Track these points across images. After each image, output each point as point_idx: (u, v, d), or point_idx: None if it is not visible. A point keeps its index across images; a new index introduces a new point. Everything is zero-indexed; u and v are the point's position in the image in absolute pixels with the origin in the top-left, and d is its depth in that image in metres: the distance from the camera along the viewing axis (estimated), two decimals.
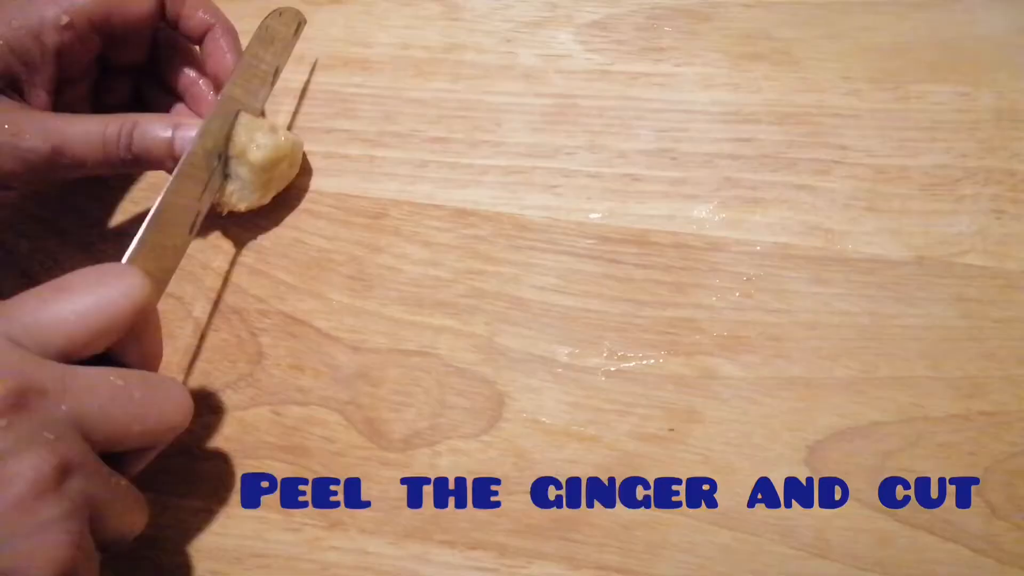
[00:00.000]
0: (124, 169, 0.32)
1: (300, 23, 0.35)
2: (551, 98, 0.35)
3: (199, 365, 0.34)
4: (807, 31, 0.35)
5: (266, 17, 0.33)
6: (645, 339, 0.32)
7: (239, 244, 0.35)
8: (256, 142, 0.32)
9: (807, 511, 0.30)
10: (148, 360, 0.27)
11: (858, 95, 0.34)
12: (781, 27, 0.35)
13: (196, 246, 0.35)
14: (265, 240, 0.35)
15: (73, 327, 0.24)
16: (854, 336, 0.31)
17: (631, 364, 0.32)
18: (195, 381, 0.33)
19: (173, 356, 0.34)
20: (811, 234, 0.33)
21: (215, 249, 0.35)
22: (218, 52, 0.33)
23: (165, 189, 0.29)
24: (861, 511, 0.30)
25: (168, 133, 0.31)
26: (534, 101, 0.35)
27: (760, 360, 0.31)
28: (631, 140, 0.34)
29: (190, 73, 0.34)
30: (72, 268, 0.34)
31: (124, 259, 0.27)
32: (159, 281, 0.29)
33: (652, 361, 0.32)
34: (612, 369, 0.32)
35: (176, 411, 0.26)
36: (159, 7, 0.32)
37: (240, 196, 0.33)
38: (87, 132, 0.31)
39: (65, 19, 0.30)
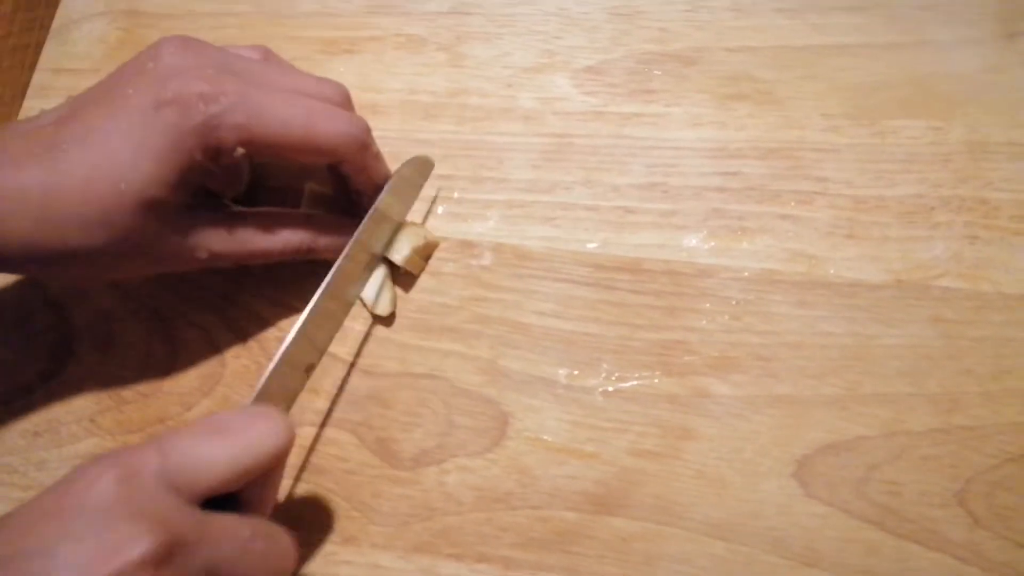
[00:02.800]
0: None
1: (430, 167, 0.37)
2: (549, 137, 0.38)
3: (220, 390, 0.36)
4: (788, 72, 0.37)
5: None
6: (640, 360, 0.34)
7: (260, 278, 0.37)
8: (404, 249, 0.35)
9: (797, 522, 0.31)
10: (266, 502, 0.28)
11: (837, 131, 0.36)
12: (763, 69, 0.38)
13: (220, 279, 0.37)
14: (284, 273, 0.37)
15: (224, 470, 0.25)
16: (838, 356, 0.33)
17: (627, 384, 0.34)
18: (216, 405, 0.35)
19: (195, 381, 0.36)
20: (795, 260, 0.35)
21: (237, 284, 0.37)
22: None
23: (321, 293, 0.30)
24: (849, 522, 0.31)
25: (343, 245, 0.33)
26: (533, 140, 0.38)
27: (749, 379, 0.33)
28: (624, 175, 0.37)
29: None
30: (103, 303, 0.37)
31: (263, 379, 0.29)
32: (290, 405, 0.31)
33: (647, 381, 0.34)
34: (610, 389, 0.34)
35: (286, 564, 0.27)
36: (337, 163, 0.33)
37: (384, 302, 0.35)
38: (267, 247, 0.33)
39: (241, 151, 0.31)
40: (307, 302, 0.36)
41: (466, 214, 0.37)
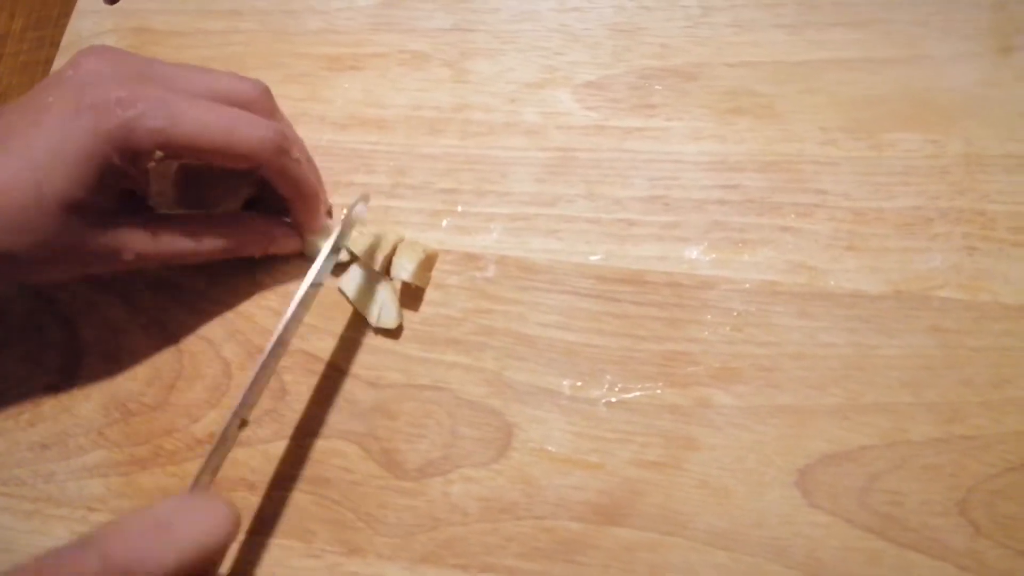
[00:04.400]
0: None
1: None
2: (552, 151, 0.38)
3: (226, 402, 0.36)
4: (787, 87, 0.38)
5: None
6: (643, 371, 0.34)
7: (265, 289, 0.37)
8: (408, 266, 0.35)
9: (800, 532, 0.32)
10: None
11: (835, 144, 0.37)
12: (763, 83, 0.38)
13: (227, 293, 0.37)
14: (290, 285, 0.37)
15: (168, 572, 0.24)
16: (839, 366, 0.33)
17: (631, 395, 0.34)
18: (223, 417, 0.36)
19: (202, 393, 0.36)
20: (795, 272, 0.35)
21: (243, 295, 0.37)
22: (294, 213, 0.36)
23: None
24: (851, 531, 0.31)
25: (269, 244, 0.36)
26: (536, 154, 0.38)
27: (751, 390, 0.33)
28: (626, 188, 0.37)
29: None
30: (111, 316, 0.37)
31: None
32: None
33: (650, 392, 0.34)
34: (613, 400, 0.34)
35: None
36: (256, 167, 0.33)
37: (389, 316, 0.36)
38: (194, 249, 0.34)
39: (160, 154, 0.32)
40: (313, 315, 0.37)
41: (470, 227, 0.37)
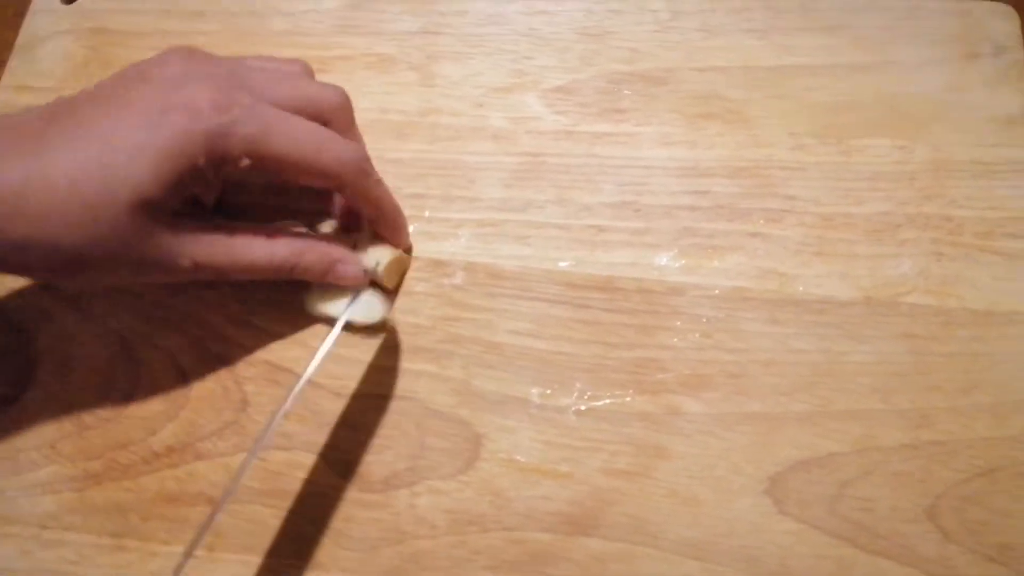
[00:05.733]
0: None
1: None
2: (521, 156, 0.38)
3: (184, 414, 0.35)
4: (756, 92, 0.38)
5: None
6: (613, 379, 0.34)
7: (225, 296, 0.36)
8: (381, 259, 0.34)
9: (771, 540, 0.31)
10: None
11: (804, 150, 0.37)
12: (732, 89, 0.38)
13: (183, 299, 0.36)
14: (251, 293, 0.36)
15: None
16: (809, 372, 0.33)
17: (600, 403, 0.34)
18: (181, 429, 0.34)
19: (160, 404, 0.35)
20: (765, 278, 0.35)
21: (201, 300, 0.36)
22: (383, 234, 0.35)
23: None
24: (821, 538, 0.31)
25: (329, 272, 0.33)
26: (505, 159, 0.38)
27: (721, 397, 0.33)
28: (596, 194, 0.37)
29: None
30: (64, 325, 0.36)
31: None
32: None
33: (620, 400, 0.33)
34: (583, 408, 0.34)
35: None
36: (339, 188, 0.33)
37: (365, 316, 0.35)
38: (251, 260, 0.32)
39: (247, 162, 0.30)
40: (274, 321, 0.36)
41: (437, 233, 0.37)
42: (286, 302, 0.36)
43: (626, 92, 0.38)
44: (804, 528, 0.31)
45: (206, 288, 0.36)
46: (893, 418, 0.32)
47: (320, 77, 0.40)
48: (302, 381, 0.30)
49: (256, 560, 0.32)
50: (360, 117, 0.39)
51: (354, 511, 0.33)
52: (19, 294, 0.37)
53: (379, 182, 0.33)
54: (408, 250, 0.36)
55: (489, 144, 0.38)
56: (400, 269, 0.36)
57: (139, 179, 0.28)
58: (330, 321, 0.34)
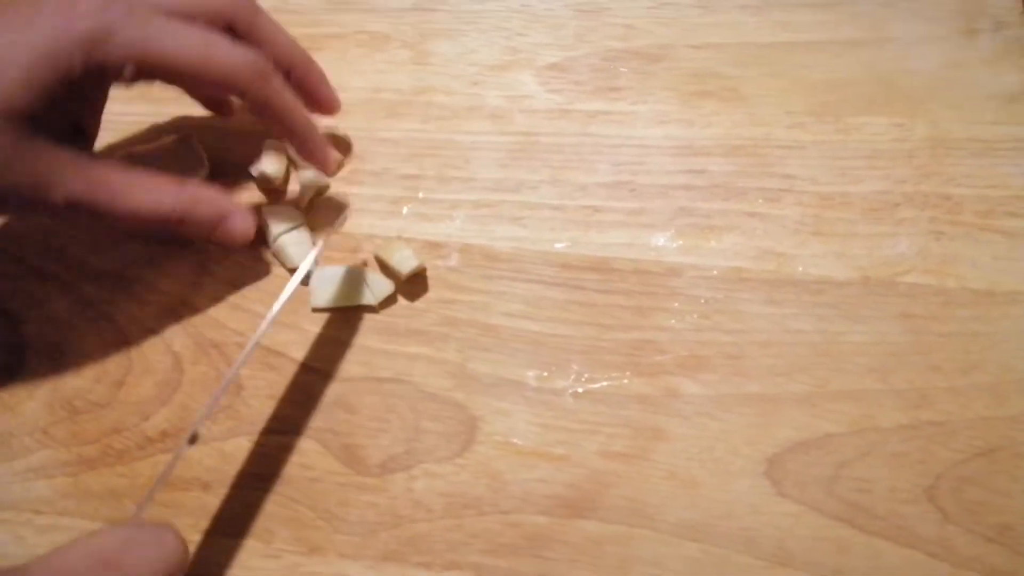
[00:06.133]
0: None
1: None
2: (515, 136, 0.37)
3: (178, 398, 0.34)
4: (752, 70, 0.37)
5: None
6: (610, 361, 0.34)
7: (218, 280, 0.36)
8: (401, 260, 0.34)
9: (769, 521, 0.31)
10: None
11: (801, 128, 0.36)
12: (728, 66, 0.37)
13: (176, 284, 0.36)
14: (243, 276, 0.36)
15: None
16: (806, 353, 0.33)
17: (597, 385, 0.33)
18: (174, 414, 0.34)
19: (152, 389, 0.35)
20: (763, 258, 0.34)
21: (194, 286, 0.36)
22: (301, 152, 0.33)
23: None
24: (820, 519, 0.31)
25: (220, 221, 0.31)
26: (500, 139, 0.37)
27: (719, 378, 0.33)
28: (591, 174, 0.36)
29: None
30: (55, 309, 0.36)
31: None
32: None
33: (617, 382, 0.33)
34: (580, 391, 0.33)
35: None
36: (239, 95, 0.31)
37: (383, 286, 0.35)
38: (136, 206, 0.29)
39: (131, 69, 0.28)
40: (268, 306, 0.35)
41: (432, 215, 0.36)
42: (278, 287, 0.35)
43: (621, 70, 0.38)
44: (802, 509, 0.31)
45: (199, 273, 0.36)
46: (891, 398, 0.32)
47: (312, 55, 0.39)
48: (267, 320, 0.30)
49: (253, 544, 0.32)
50: (353, 96, 0.39)
51: (350, 495, 0.33)
52: (9, 278, 0.37)
53: (283, 89, 0.31)
54: (334, 169, 0.35)
55: (484, 123, 0.37)
56: (329, 205, 0.35)
57: (7, 84, 0.26)
58: (335, 309, 0.35)
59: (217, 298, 0.36)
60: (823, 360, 0.33)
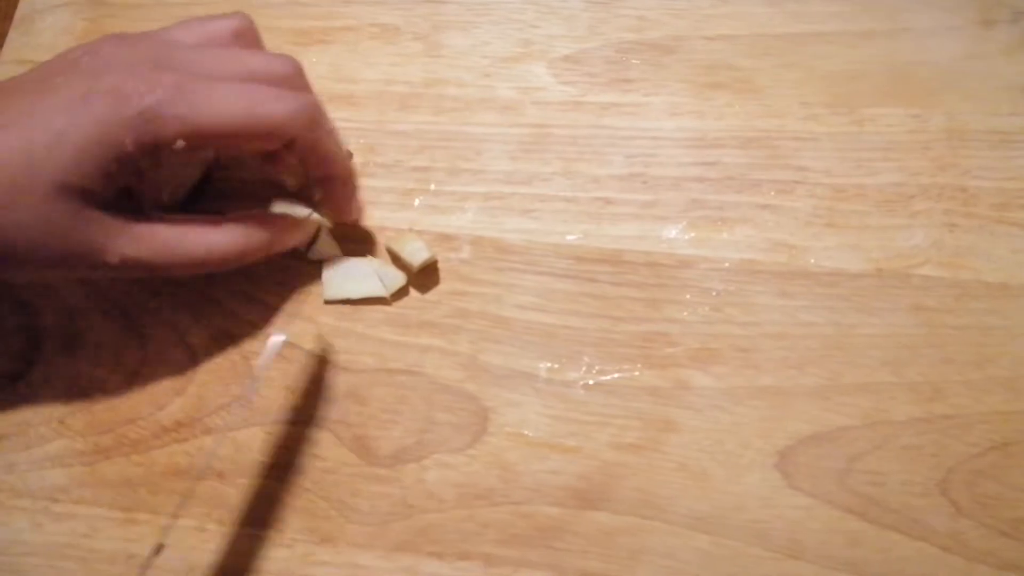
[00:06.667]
0: None
1: None
2: (528, 128, 0.37)
3: (192, 388, 0.35)
4: (766, 61, 0.37)
5: None
6: (621, 353, 0.34)
7: (233, 272, 0.36)
8: (412, 252, 0.34)
9: (780, 514, 0.31)
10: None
11: (816, 119, 0.36)
12: (742, 57, 0.37)
13: (192, 276, 0.36)
14: (258, 268, 0.36)
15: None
16: (819, 346, 0.33)
17: (609, 377, 0.33)
18: (189, 404, 0.34)
19: (168, 379, 0.35)
20: (775, 250, 0.34)
21: (208, 278, 0.36)
22: (330, 198, 0.34)
23: None
24: (832, 513, 0.31)
25: (272, 245, 0.32)
26: (512, 131, 0.37)
27: (731, 371, 0.33)
28: (604, 166, 0.36)
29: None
30: (73, 304, 0.36)
31: None
32: None
33: (628, 374, 0.33)
34: (591, 383, 0.33)
35: None
36: (289, 144, 0.31)
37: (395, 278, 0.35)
38: (190, 257, 0.31)
39: (181, 144, 0.29)
40: (282, 298, 0.36)
41: (443, 207, 0.36)
42: (293, 279, 0.36)
43: (634, 61, 0.38)
44: (814, 502, 0.31)
45: None
46: (904, 391, 0.32)
47: (323, 48, 0.39)
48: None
49: (266, 533, 0.32)
50: (365, 88, 0.39)
51: (363, 485, 0.33)
52: None
53: (332, 134, 0.32)
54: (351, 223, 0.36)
55: (496, 115, 0.37)
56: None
57: (60, 165, 0.27)
58: (347, 302, 0.35)
59: (231, 290, 0.36)
60: (835, 353, 0.33)
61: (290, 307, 0.35)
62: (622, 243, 0.35)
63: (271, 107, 0.30)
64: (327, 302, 0.35)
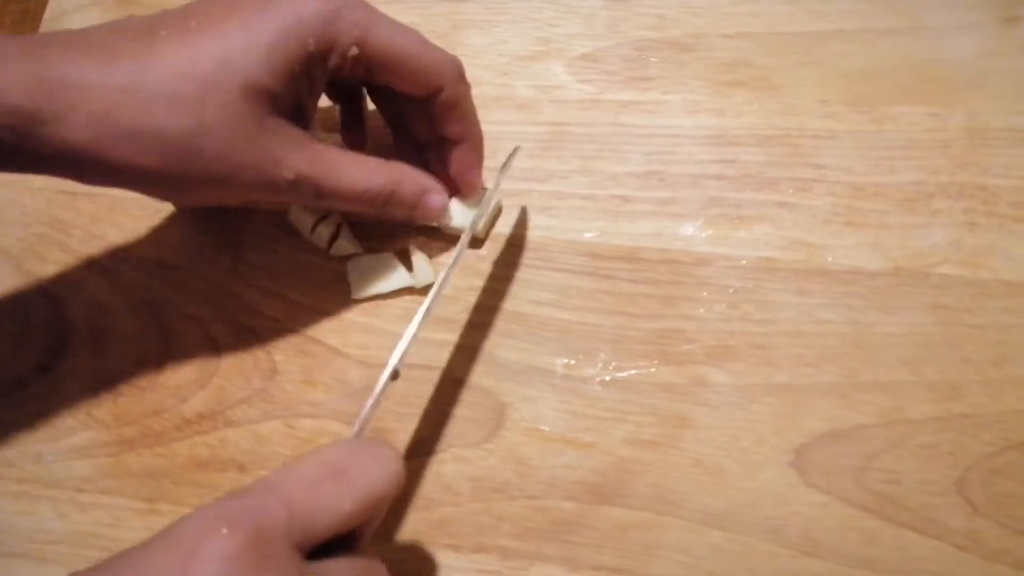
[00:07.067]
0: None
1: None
2: (545, 126, 0.37)
3: (215, 381, 0.35)
4: (785, 59, 0.37)
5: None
6: (638, 350, 0.34)
7: (255, 268, 0.37)
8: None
9: (795, 511, 0.31)
10: (369, 534, 0.27)
11: (835, 117, 0.36)
12: (760, 55, 0.37)
13: (214, 270, 0.37)
14: (280, 264, 0.37)
15: (346, 519, 0.24)
16: (836, 344, 0.33)
17: (625, 374, 0.34)
18: (211, 397, 0.35)
19: (191, 373, 0.36)
20: (793, 248, 0.34)
21: (232, 273, 0.37)
22: (463, 165, 0.34)
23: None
24: (847, 510, 0.31)
25: (421, 197, 0.33)
26: (530, 129, 0.37)
27: (747, 368, 0.33)
28: (621, 164, 0.36)
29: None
30: (99, 298, 0.37)
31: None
32: None
33: (645, 370, 0.33)
34: (607, 379, 0.34)
35: None
36: (435, 93, 0.31)
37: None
38: (353, 182, 0.31)
39: (355, 51, 0.30)
40: (303, 293, 0.36)
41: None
42: (314, 275, 0.36)
43: (652, 59, 0.38)
44: (829, 500, 0.31)
45: (235, 261, 0.37)
46: (922, 390, 0.32)
47: None
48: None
49: None
50: None
51: None
52: (54, 263, 0.38)
53: (471, 99, 0.33)
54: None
55: (514, 114, 0.38)
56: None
57: (252, 64, 0.28)
58: (376, 297, 0.35)
59: (254, 285, 0.36)
60: (853, 351, 0.33)
61: (311, 303, 0.36)
62: (639, 240, 0.35)
63: (434, 50, 0.31)
64: (356, 300, 0.36)
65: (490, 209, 0.35)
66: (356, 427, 0.27)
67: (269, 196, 0.30)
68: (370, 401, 0.28)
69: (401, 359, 0.29)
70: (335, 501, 0.24)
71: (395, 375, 0.29)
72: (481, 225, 0.35)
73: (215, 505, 0.23)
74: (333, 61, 0.30)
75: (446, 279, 0.31)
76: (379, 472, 0.25)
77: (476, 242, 0.36)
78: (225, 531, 0.22)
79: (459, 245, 0.32)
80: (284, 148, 0.29)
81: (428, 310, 0.30)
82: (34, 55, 0.26)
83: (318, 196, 0.31)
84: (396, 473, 0.26)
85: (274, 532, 0.22)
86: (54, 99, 0.26)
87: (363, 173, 0.31)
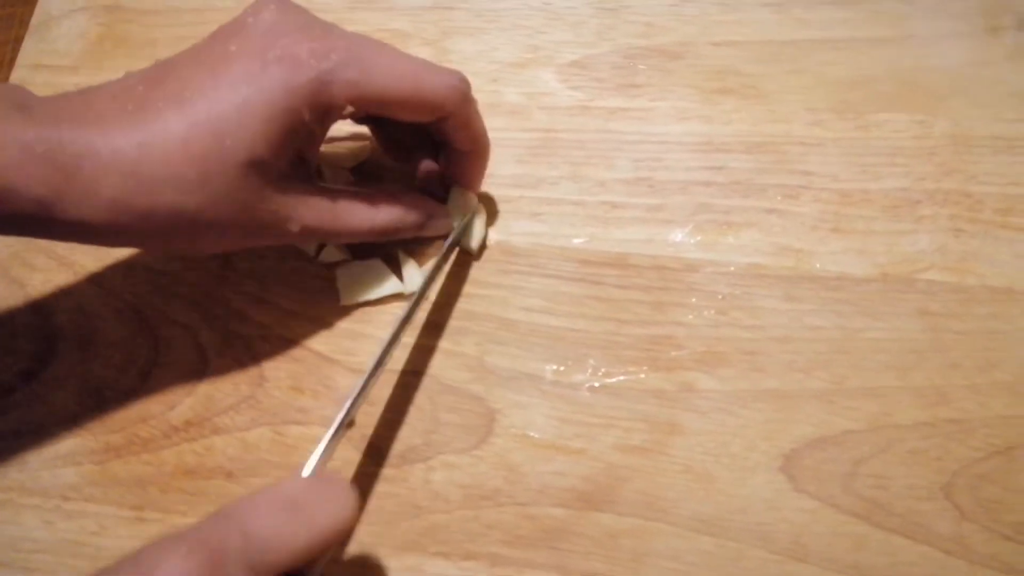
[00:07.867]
0: None
1: None
2: (535, 132, 0.37)
3: (203, 388, 0.35)
4: (773, 67, 0.37)
5: None
6: (627, 356, 0.34)
7: (244, 275, 0.37)
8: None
9: (785, 517, 0.31)
10: (318, 568, 0.27)
11: (822, 125, 0.36)
12: (748, 63, 0.37)
13: (202, 277, 0.37)
14: (269, 271, 0.36)
15: (300, 553, 0.24)
16: (824, 349, 0.33)
17: (614, 380, 0.34)
18: (199, 404, 0.35)
19: (178, 380, 0.35)
20: (781, 254, 0.34)
21: (219, 279, 0.37)
22: (466, 170, 0.35)
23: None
24: (836, 516, 0.31)
25: (425, 223, 0.34)
26: (519, 135, 0.37)
27: (736, 374, 0.33)
28: (610, 170, 0.36)
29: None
30: (86, 304, 0.36)
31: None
32: None
33: (634, 377, 0.33)
34: (596, 385, 0.34)
35: None
36: (441, 119, 0.32)
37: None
38: (360, 223, 0.32)
39: (349, 110, 0.30)
40: (292, 300, 0.36)
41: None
42: (302, 281, 0.36)
43: (641, 67, 0.38)
44: (819, 505, 0.31)
45: (223, 267, 0.37)
46: (909, 396, 0.32)
47: None
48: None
49: None
50: None
51: (370, 485, 0.33)
52: (39, 269, 0.38)
53: (477, 109, 0.33)
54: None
55: (503, 120, 0.38)
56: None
57: (249, 139, 0.28)
58: (365, 304, 0.36)
59: (242, 291, 0.36)
60: (841, 357, 0.33)
61: (299, 309, 0.36)
62: (628, 247, 0.35)
63: (434, 79, 0.30)
64: (344, 306, 0.36)
65: (477, 217, 0.35)
66: (312, 465, 0.27)
67: (279, 244, 0.32)
68: (323, 442, 0.28)
69: (354, 406, 0.29)
70: (290, 533, 0.24)
71: (350, 423, 0.29)
72: (474, 235, 0.35)
73: (175, 534, 0.23)
74: (330, 120, 0.30)
75: (426, 288, 0.32)
76: (333, 509, 0.25)
77: (473, 253, 0.36)
78: (184, 551, 0.22)
79: (441, 253, 0.33)
80: (289, 206, 0.30)
81: (407, 318, 0.31)
82: (50, 139, 0.26)
83: (326, 238, 0.33)
84: (351, 511, 0.26)
85: (230, 557, 0.23)
86: (71, 185, 0.27)
87: (369, 213, 0.32)
